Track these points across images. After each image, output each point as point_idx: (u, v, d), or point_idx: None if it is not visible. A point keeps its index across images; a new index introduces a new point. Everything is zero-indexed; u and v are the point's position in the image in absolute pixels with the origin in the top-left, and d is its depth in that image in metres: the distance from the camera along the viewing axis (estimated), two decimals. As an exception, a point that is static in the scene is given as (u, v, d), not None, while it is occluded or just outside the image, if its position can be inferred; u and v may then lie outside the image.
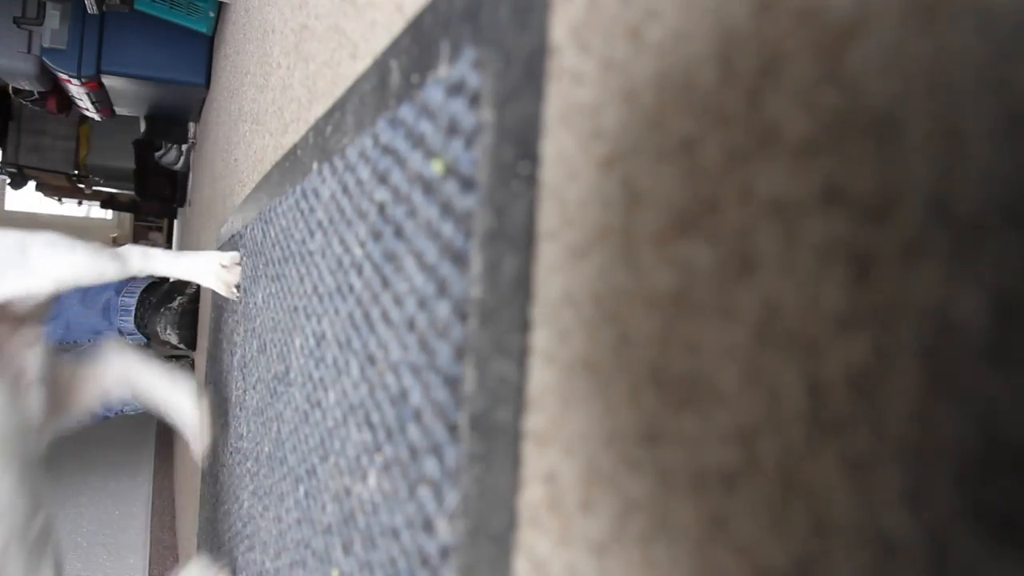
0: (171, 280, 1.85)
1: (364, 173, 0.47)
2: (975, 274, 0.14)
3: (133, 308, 1.75)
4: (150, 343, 1.87)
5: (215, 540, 1.14)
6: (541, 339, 0.27)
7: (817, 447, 0.17)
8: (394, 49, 0.43)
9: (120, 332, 1.78)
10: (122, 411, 1.81)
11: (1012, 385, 0.13)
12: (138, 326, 1.76)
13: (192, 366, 1.76)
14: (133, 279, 1.82)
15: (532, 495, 0.27)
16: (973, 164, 0.14)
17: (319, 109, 0.64)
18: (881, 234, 0.16)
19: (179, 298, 1.74)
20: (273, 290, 0.76)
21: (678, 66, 0.21)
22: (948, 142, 0.14)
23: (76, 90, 2.40)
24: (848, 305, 0.16)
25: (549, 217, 0.27)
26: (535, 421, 0.27)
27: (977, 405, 0.14)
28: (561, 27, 0.27)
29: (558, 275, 0.26)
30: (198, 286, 1.77)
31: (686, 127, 0.21)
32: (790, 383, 0.17)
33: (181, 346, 1.74)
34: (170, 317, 1.72)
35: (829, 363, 0.17)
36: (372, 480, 0.42)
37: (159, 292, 1.78)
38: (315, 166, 0.61)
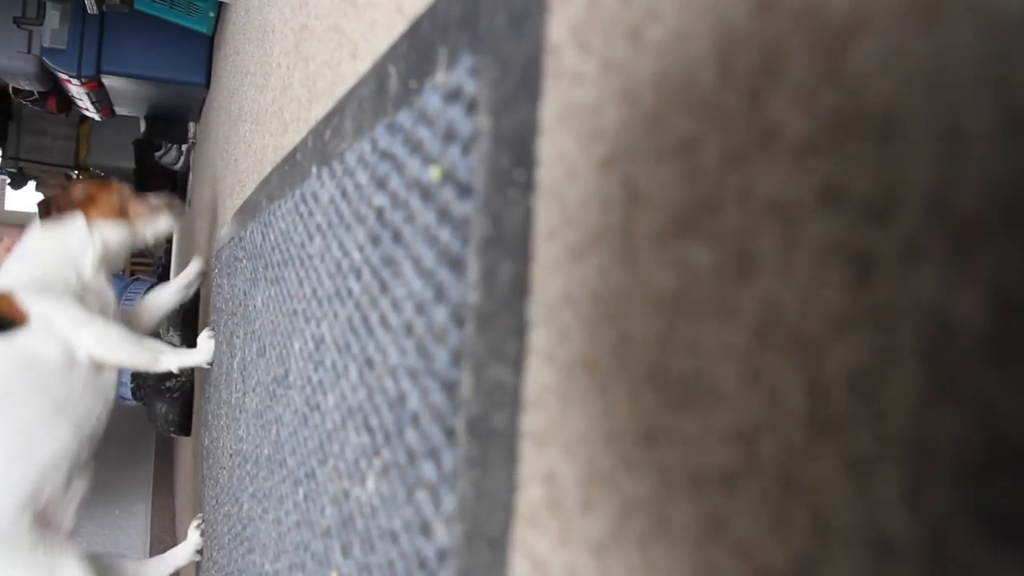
0: (170, 278, 1.88)
1: (363, 178, 0.47)
2: (975, 274, 0.14)
3: None
4: None
5: (215, 542, 1.14)
6: (540, 339, 0.27)
7: (817, 447, 0.17)
8: (392, 54, 0.43)
9: None
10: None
11: (1012, 385, 0.13)
12: None
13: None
14: (133, 283, 1.84)
15: (532, 495, 0.27)
16: (973, 164, 0.14)
17: (319, 109, 0.64)
18: (881, 234, 0.16)
19: None
20: (272, 293, 0.76)
21: (678, 66, 0.21)
22: (948, 142, 0.14)
23: (76, 90, 2.41)
24: (848, 305, 0.16)
25: (549, 217, 0.27)
26: (534, 421, 0.27)
27: (977, 405, 0.14)
28: (561, 27, 0.27)
29: (558, 275, 0.26)
30: (199, 288, 1.80)
31: (686, 127, 0.21)
32: (790, 383, 0.17)
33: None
34: (172, 319, 1.75)
35: (829, 363, 0.16)
36: (371, 483, 0.42)
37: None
38: (314, 170, 0.61)
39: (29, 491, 1.10)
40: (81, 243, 1.23)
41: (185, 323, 1.75)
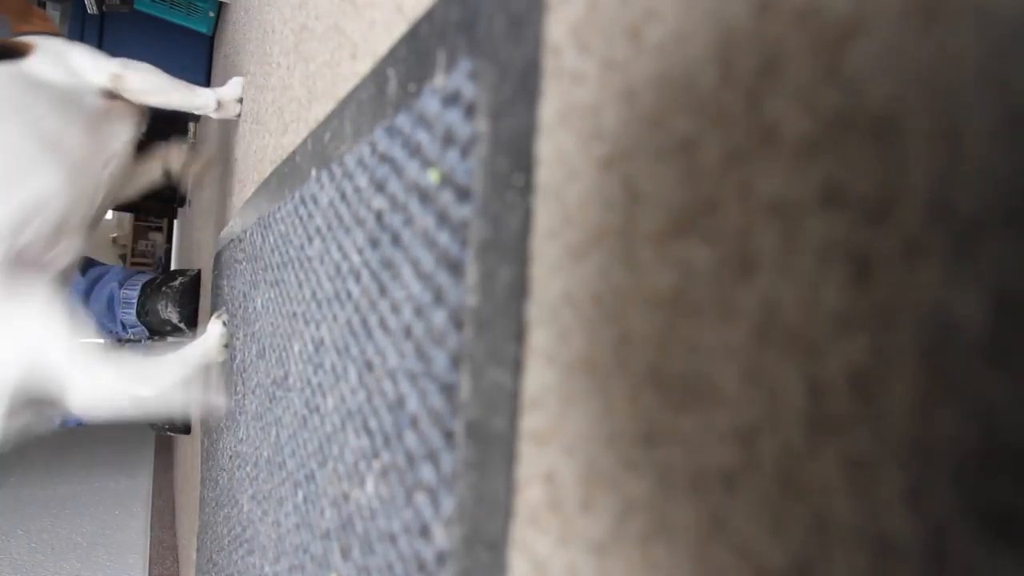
0: (171, 268, 1.91)
1: (362, 181, 0.48)
2: (975, 274, 0.14)
3: (135, 300, 1.79)
4: (152, 335, 1.90)
5: (215, 543, 1.14)
6: (540, 339, 0.27)
7: (817, 447, 0.17)
8: (391, 58, 0.43)
9: (123, 325, 1.81)
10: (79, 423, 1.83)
11: (1012, 385, 0.13)
12: (139, 314, 1.79)
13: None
14: (135, 274, 1.86)
15: (532, 495, 0.27)
16: (973, 164, 0.14)
17: (319, 109, 0.64)
18: (881, 234, 0.16)
19: (180, 278, 1.82)
20: (272, 295, 0.76)
21: (678, 66, 0.21)
22: (948, 142, 0.14)
23: (76, 92, 2.40)
24: (848, 305, 0.16)
25: (549, 217, 0.27)
26: (535, 421, 0.27)
27: (977, 405, 0.14)
28: (560, 27, 0.27)
29: (558, 275, 0.26)
30: (199, 269, 1.82)
31: (686, 127, 0.21)
32: (790, 383, 0.17)
33: (181, 325, 1.78)
34: (171, 295, 1.78)
35: (829, 363, 0.16)
36: (370, 486, 0.42)
37: (160, 276, 1.84)
38: (313, 173, 0.61)
39: (4, 220, 0.96)
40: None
41: (184, 300, 1.77)
